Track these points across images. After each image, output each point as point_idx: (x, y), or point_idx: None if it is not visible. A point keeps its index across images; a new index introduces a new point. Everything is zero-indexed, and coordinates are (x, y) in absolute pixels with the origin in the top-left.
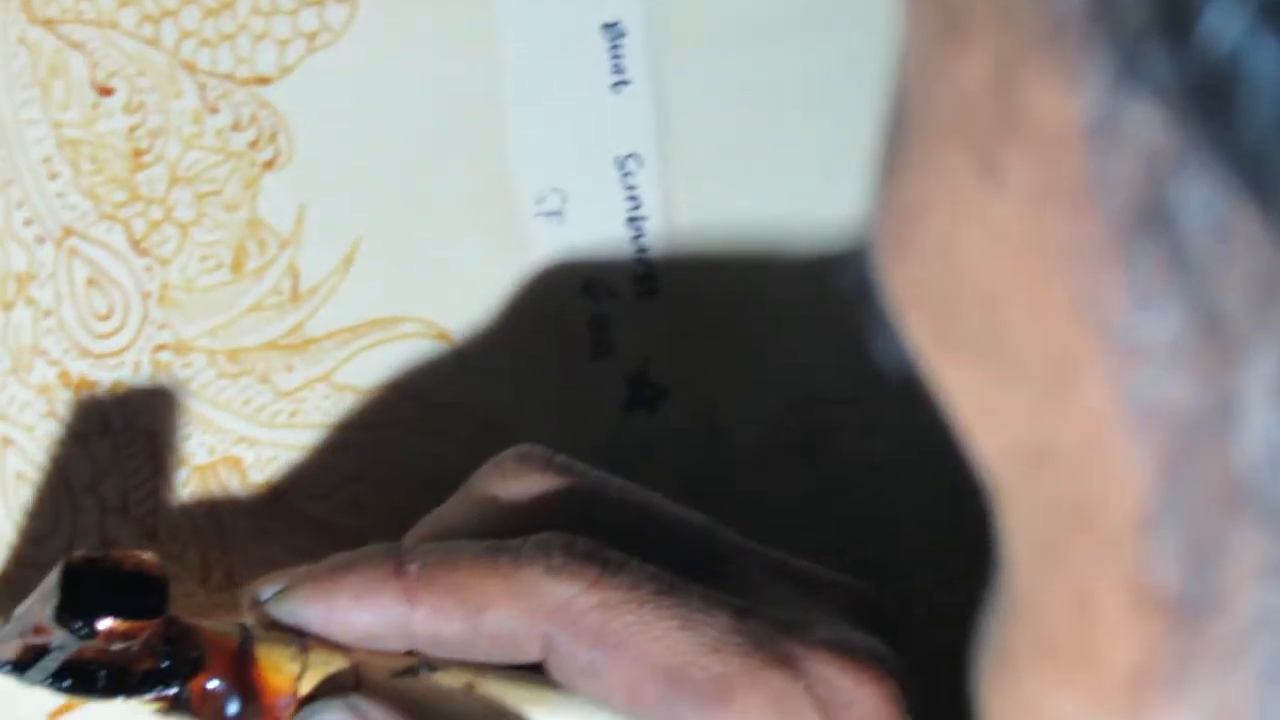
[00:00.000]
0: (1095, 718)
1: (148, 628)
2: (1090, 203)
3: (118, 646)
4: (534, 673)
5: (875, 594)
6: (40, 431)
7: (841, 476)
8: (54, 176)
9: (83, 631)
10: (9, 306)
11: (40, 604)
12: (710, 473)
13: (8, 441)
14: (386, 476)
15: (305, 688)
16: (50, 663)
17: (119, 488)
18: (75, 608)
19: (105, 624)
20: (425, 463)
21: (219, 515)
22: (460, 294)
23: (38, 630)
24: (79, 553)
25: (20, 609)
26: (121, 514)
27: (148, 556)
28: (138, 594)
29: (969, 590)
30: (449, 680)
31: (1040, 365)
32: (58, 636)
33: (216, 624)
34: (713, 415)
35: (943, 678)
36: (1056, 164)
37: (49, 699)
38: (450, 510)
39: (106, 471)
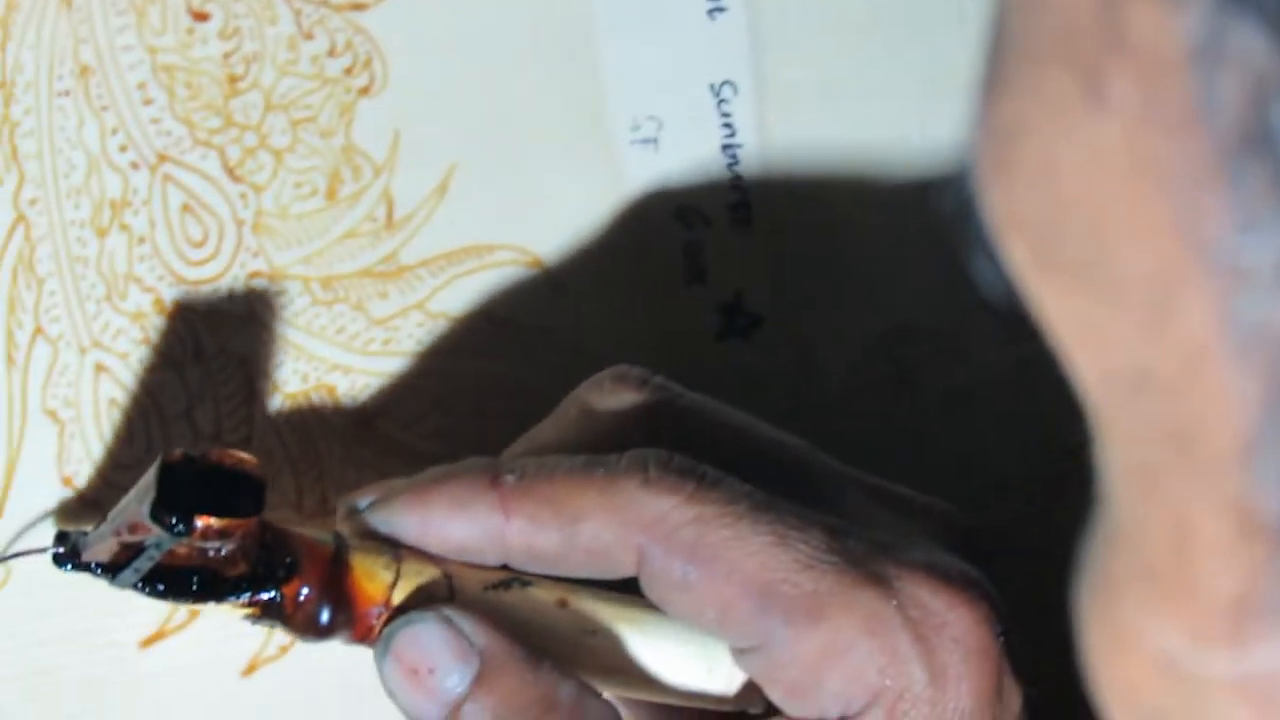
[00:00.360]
0: (1195, 645)
1: (243, 526)
2: (1194, 124)
3: (212, 546)
4: (625, 593)
5: (968, 519)
6: (134, 358)
7: (931, 407)
8: (149, 102)
9: (178, 528)
10: (103, 233)
11: (136, 502)
12: (801, 403)
13: (101, 368)
14: (478, 404)
15: (398, 597)
16: (143, 563)
17: (212, 415)
18: (172, 504)
19: (201, 521)
20: (517, 390)
21: (312, 442)
22: (554, 221)
23: (133, 528)
24: (177, 450)
25: (115, 509)
26: (214, 441)
27: (246, 456)
28: (235, 493)
29: (1057, 521)
30: (542, 595)
31: (1142, 288)
32: (153, 535)
33: (311, 531)
34: (805, 345)
35: (1031, 607)
36: (1161, 85)
37: (140, 629)
38: (546, 427)
39: (200, 398)
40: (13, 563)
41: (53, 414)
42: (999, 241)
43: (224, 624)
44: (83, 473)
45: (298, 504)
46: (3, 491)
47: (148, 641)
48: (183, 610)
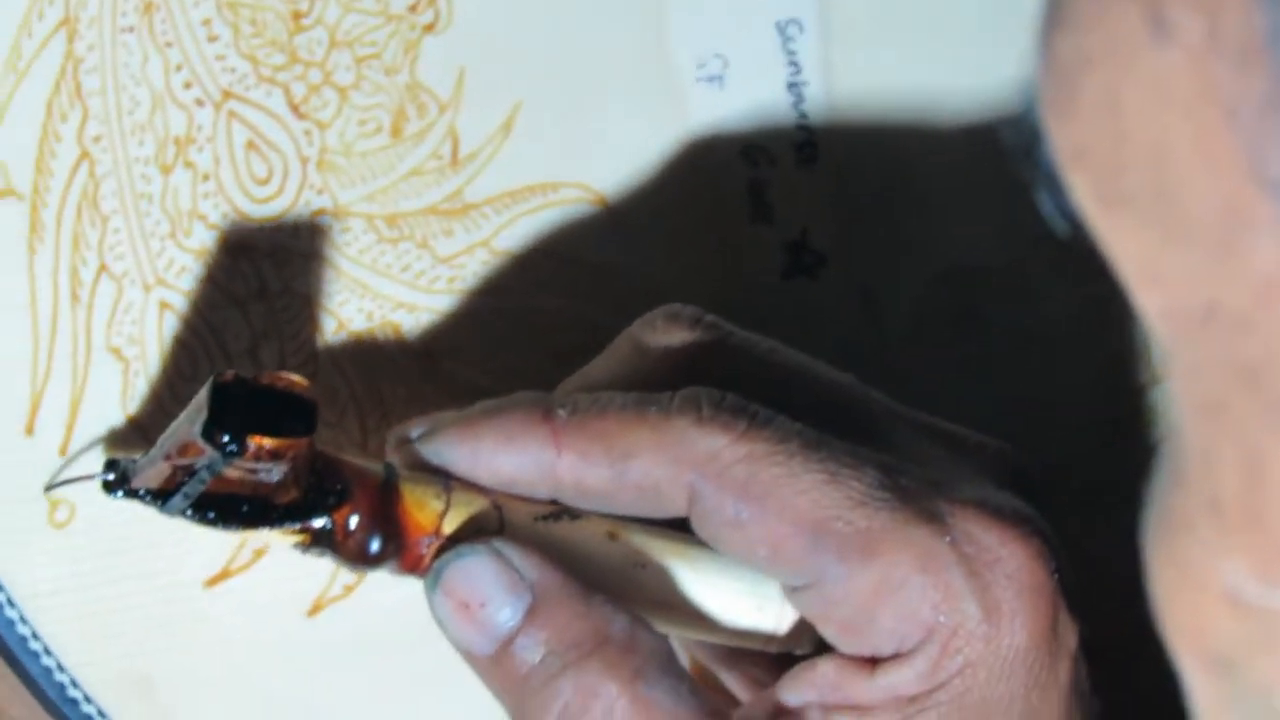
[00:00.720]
0: (1264, 582)
1: (295, 447)
2: (1261, 55)
3: (263, 468)
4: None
5: (1022, 457)
6: (198, 296)
7: (995, 346)
8: (213, 39)
9: (230, 447)
10: (168, 170)
11: (188, 423)
12: (865, 342)
13: (165, 306)
14: (543, 342)
15: (448, 527)
16: (193, 487)
17: (276, 353)
18: (224, 424)
19: (253, 441)
20: (582, 328)
21: (376, 381)
22: (619, 159)
23: (183, 450)
24: (229, 371)
25: (165, 433)
26: None
27: (298, 379)
28: (287, 416)
29: (1123, 460)
30: (591, 528)
31: (1209, 223)
32: (204, 456)
33: (362, 460)
34: (869, 284)
35: (1091, 547)
36: (1226, 16)
37: (204, 568)
38: (599, 365)
39: (264, 336)
40: (77, 503)
41: (117, 352)
42: (1064, 178)
43: (288, 563)
44: (147, 411)
45: (362, 444)
46: (67, 430)
47: (212, 581)
48: (247, 550)
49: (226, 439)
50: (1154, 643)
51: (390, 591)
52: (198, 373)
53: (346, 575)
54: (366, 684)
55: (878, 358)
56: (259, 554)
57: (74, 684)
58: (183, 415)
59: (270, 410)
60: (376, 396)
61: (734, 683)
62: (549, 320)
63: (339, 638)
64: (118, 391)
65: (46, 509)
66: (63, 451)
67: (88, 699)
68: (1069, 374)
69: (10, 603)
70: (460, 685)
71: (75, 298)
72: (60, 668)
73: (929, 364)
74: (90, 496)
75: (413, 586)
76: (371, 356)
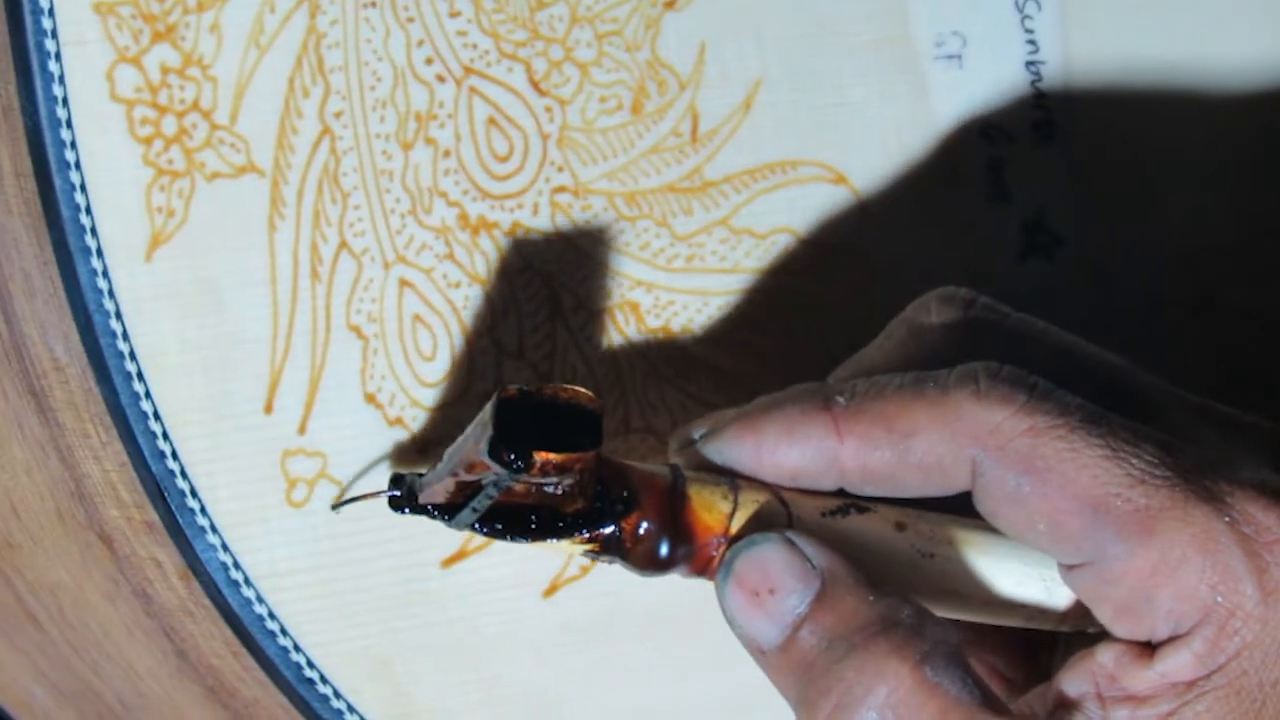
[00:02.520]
0: None
1: (582, 460)
2: None
3: (550, 482)
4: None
5: None
6: (437, 273)
7: (1232, 331)
8: (455, 14)
9: (516, 464)
10: (408, 146)
11: (473, 440)
12: (1101, 324)
13: (405, 283)
14: (782, 321)
15: (736, 527)
16: (481, 502)
17: (515, 331)
18: (509, 441)
19: (539, 456)
20: (821, 307)
21: (615, 360)
22: (858, 137)
23: (469, 467)
24: (512, 386)
25: (450, 449)
26: (518, 358)
27: (581, 390)
28: (571, 428)
29: None
30: (878, 519)
31: None
32: (490, 473)
33: (646, 465)
34: (1106, 263)
35: None
36: None
37: (441, 549)
38: (873, 349)
39: (503, 315)
40: (316, 482)
41: (356, 330)
42: None
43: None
44: (385, 389)
45: None
46: (306, 408)
47: (449, 561)
48: None
49: (513, 456)
50: None
51: (626, 573)
52: (437, 351)
53: (583, 558)
54: (601, 666)
55: (1115, 337)
56: None
57: (310, 664)
58: (468, 430)
59: (555, 422)
60: (615, 375)
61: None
62: (789, 299)
63: (575, 619)
64: (356, 370)
65: (284, 488)
66: (302, 430)
67: (324, 679)
68: None
69: (247, 581)
70: (695, 669)
71: (315, 275)
72: (297, 647)
73: (1166, 346)
74: (328, 474)
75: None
76: (610, 335)
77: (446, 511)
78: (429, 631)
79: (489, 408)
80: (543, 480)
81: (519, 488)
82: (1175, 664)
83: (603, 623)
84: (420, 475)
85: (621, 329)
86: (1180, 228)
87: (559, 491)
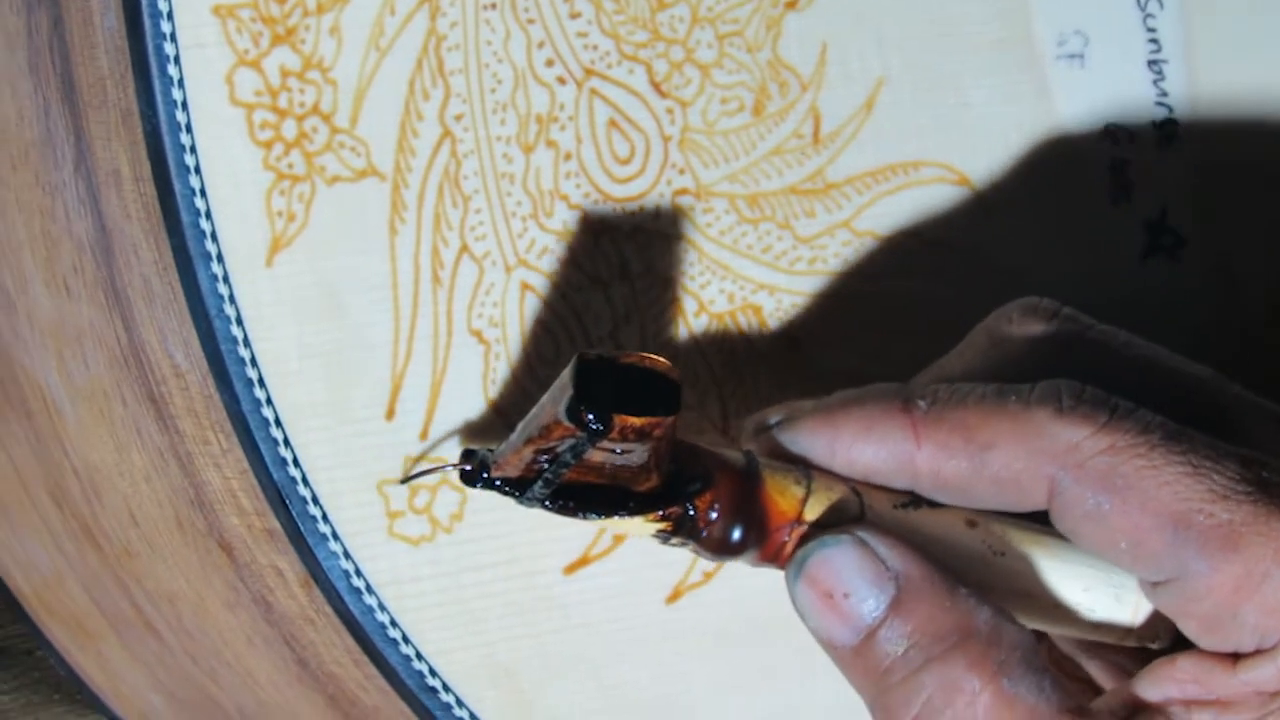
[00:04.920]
0: None
1: (661, 425)
2: None
3: (627, 448)
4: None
5: None
6: (559, 277)
7: None
8: (576, 16)
9: (596, 425)
10: (529, 149)
11: (551, 403)
12: (1225, 325)
13: (527, 287)
14: (906, 324)
15: (810, 515)
16: (555, 472)
17: (637, 335)
18: (590, 402)
19: (619, 419)
20: (944, 310)
21: (737, 364)
22: (981, 137)
23: (546, 431)
24: (592, 351)
25: (525, 419)
26: None
27: (660, 358)
28: (650, 396)
29: None
30: (950, 514)
31: None
32: (567, 438)
33: (721, 448)
34: (1229, 264)
35: None
36: None
37: (564, 555)
38: (955, 356)
39: (625, 319)
40: (437, 489)
41: (478, 334)
42: None
43: (647, 550)
44: (508, 395)
45: (723, 428)
46: (428, 414)
47: (571, 568)
48: (606, 537)
49: (592, 417)
50: None
51: (750, 579)
52: (559, 356)
53: (706, 563)
54: (726, 673)
55: (1238, 338)
56: (619, 540)
57: (432, 672)
58: (545, 397)
59: (634, 390)
60: (737, 378)
61: (1097, 670)
62: (910, 303)
63: (699, 626)
64: (478, 375)
65: (406, 495)
66: (424, 436)
67: (446, 688)
68: None
69: (369, 589)
70: (820, 677)
71: (436, 279)
72: (419, 655)
73: None
74: (451, 482)
75: (772, 574)
76: (732, 339)
77: (518, 486)
78: (552, 639)
79: (568, 371)
80: (619, 447)
81: (595, 457)
82: (1261, 675)
83: (726, 628)
84: (491, 450)
85: (744, 333)
86: None
87: (634, 464)
